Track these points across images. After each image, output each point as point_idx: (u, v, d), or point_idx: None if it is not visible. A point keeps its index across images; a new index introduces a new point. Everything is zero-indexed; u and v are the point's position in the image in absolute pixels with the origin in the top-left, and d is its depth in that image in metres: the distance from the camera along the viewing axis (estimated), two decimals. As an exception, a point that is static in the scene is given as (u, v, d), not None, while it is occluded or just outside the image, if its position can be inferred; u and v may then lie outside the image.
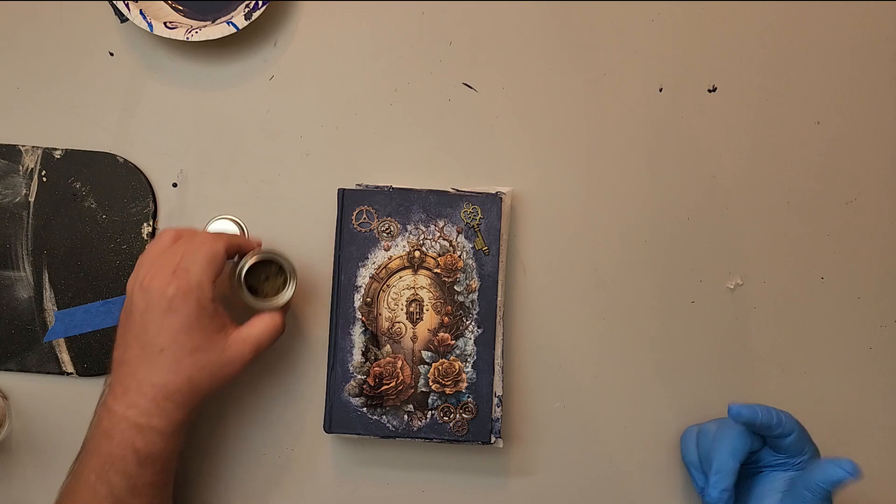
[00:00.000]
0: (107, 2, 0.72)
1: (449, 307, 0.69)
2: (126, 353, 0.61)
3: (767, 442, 0.63)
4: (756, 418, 0.60)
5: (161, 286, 0.60)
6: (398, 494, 0.72)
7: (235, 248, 0.65)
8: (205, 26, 0.70)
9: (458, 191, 0.70)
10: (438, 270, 0.69)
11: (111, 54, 0.73)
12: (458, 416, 0.68)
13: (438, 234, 0.69)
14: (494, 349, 0.69)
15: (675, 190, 0.73)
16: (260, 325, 0.64)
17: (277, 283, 0.66)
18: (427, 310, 0.69)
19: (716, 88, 0.73)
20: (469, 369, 0.68)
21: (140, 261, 0.64)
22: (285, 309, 0.66)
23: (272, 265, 0.66)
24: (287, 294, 0.65)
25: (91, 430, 0.62)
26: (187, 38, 0.69)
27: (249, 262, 0.64)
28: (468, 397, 0.68)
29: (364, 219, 0.69)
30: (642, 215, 0.73)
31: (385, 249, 0.69)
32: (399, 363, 0.69)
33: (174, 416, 0.60)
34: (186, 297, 0.60)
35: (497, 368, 0.69)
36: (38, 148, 0.72)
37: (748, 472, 0.66)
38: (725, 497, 0.61)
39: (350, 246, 0.69)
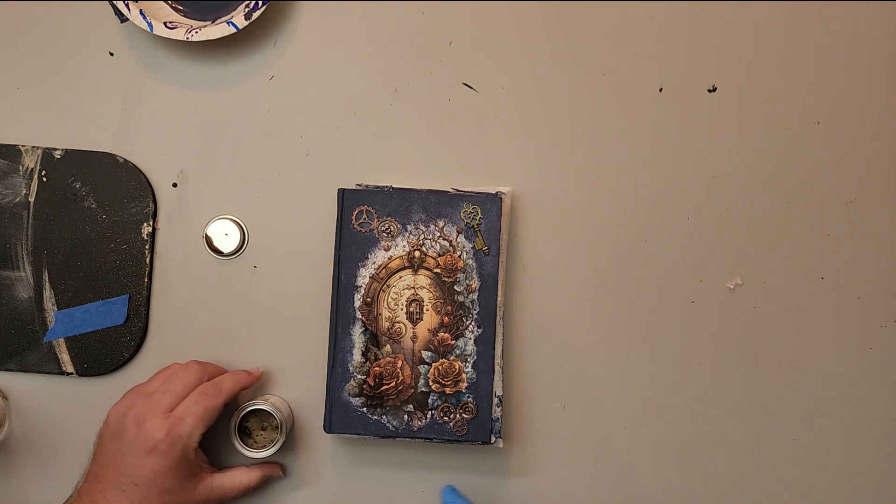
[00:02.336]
0: (107, 2, 0.72)
1: (449, 307, 0.69)
2: (102, 471, 0.64)
3: None
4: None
5: (153, 427, 0.63)
6: (398, 494, 0.72)
7: (237, 393, 0.68)
8: (205, 26, 0.70)
9: (458, 191, 0.70)
10: (438, 270, 0.69)
11: (111, 54, 0.73)
12: (458, 416, 0.68)
13: (438, 234, 0.69)
14: (494, 349, 0.69)
15: (675, 190, 0.73)
16: (233, 480, 0.68)
17: (273, 434, 0.69)
18: (427, 310, 0.69)
19: (716, 88, 0.73)
20: (469, 369, 0.68)
21: (139, 389, 0.67)
22: (270, 467, 0.70)
23: (271, 416, 0.68)
24: (273, 448, 0.68)
25: None
26: (187, 38, 0.69)
27: (244, 411, 0.68)
28: (468, 397, 0.68)
29: (364, 219, 0.69)
30: (642, 215, 0.72)
31: (385, 249, 0.69)
32: (399, 363, 0.69)
33: None
34: (174, 445, 0.63)
35: (497, 368, 0.69)
36: (38, 148, 0.72)
37: None
38: None
39: (350, 246, 0.69)
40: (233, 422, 0.68)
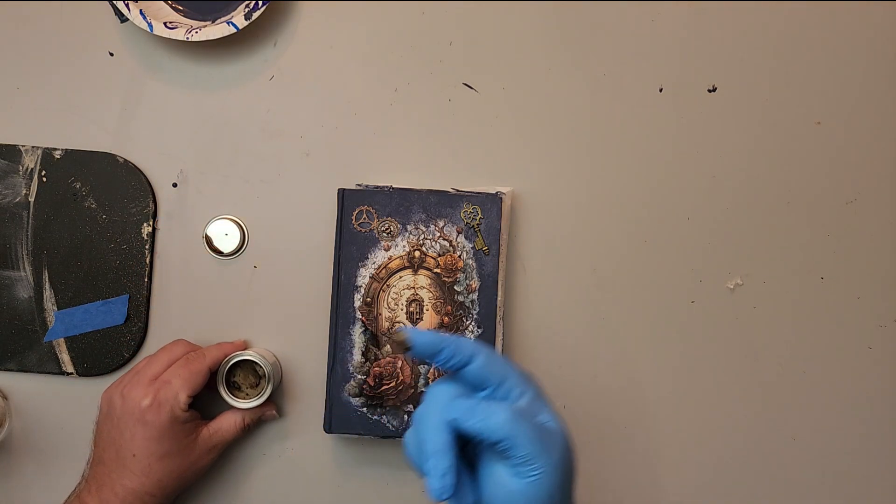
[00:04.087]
0: (107, 2, 0.72)
1: (449, 307, 0.69)
2: (104, 454, 0.65)
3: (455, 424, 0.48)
4: (421, 339, 0.48)
5: (137, 396, 0.64)
6: (398, 494, 0.72)
7: (222, 360, 0.68)
8: (205, 26, 0.70)
9: (458, 191, 0.70)
10: (438, 270, 0.69)
11: (111, 54, 0.73)
12: (458, 416, 0.68)
13: (438, 234, 0.69)
14: (494, 349, 0.69)
15: (675, 190, 0.73)
16: (227, 421, 0.69)
17: (261, 384, 0.69)
18: (427, 310, 0.69)
19: (716, 88, 0.73)
20: (469, 369, 0.68)
21: (130, 370, 0.68)
22: (264, 406, 0.69)
23: (258, 365, 0.68)
24: (261, 398, 0.68)
25: None
26: (187, 38, 0.69)
27: (230, 363, 0.68)
28: (468, 397, 0.68)
29: (364, 219, 0.69)
30: (642, 215, 0.72)
31: (385, 249, 0.69)
32: (399, 363, 0.69)
33: None
34: (160, 408, 0.64)
35: (497, 368, 0.69)
36: (38, 148, 0.72)
37: (475, 454, 0.50)
38: (449, 482, 0.46)
39: (350, 246, 0.69)
40: (220, 372, 0.67)
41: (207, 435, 0.67)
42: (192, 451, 0.66)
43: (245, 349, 0.69)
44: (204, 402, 0.70)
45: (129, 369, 0.69)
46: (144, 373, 0.66)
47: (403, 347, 0.48)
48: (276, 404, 0.72)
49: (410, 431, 0.49)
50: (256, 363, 0.68)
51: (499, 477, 0.47)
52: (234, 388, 0.69)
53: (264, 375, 0.68)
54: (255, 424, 0.70)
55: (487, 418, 0.46)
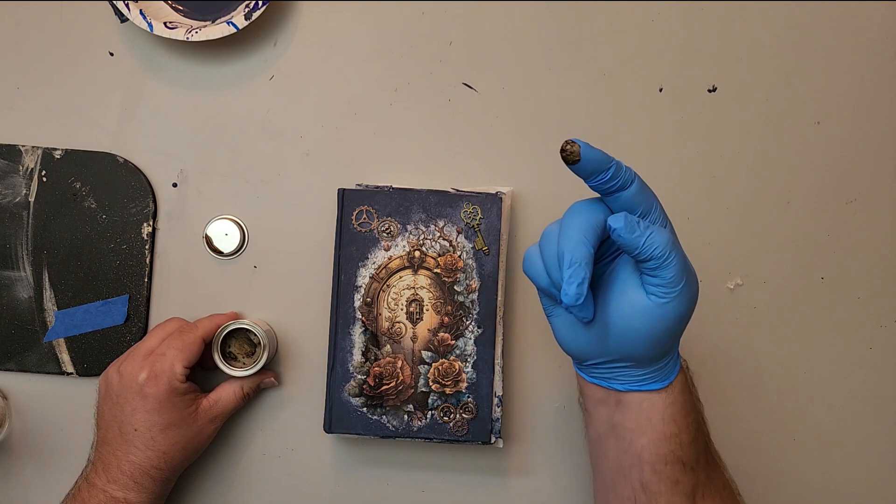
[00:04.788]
0: (107, 2, 0.72)
1: (449, 307, 0.69)
2: (107, 434, 0.66)
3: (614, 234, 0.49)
4: (592, 153, 0.49)
5: (134, 371, 0.65)
6: (398, 494, 0.72)
7: (215, 330, 0.68)
8: (205, 26, 0.70)
9: (458, 191, 0.70)
10: (438, 270, 0.69)
11: (111, 54, 0.73)
12: (458, 416, 0.68)
13: (438, 234, 0.69)
14: (494, 349, 0.69)
15: (675, 190, 0.72)
16: (227, 391, 0.69)
17: (256, 352, 0.69)
18: (427, 310, 0.69)
19: (716, 88, 0.73)
20: (469, 369, 0.68)
21: (128, 351, 0.68)
22: (263, 374, 0.70)
23: (253, 334, 0.68)
24: (257, 365, 0.68)
25: (68, 500, 0.65)
26: (187, 38, 0.69)
27: (224, 332, 0.67)
28: (468, 397, 0.68)
29: (364, 219, 0.69)
30: (642, 215, 0.72)
31: (385, 249, 0.69)
32: (399, 363, 0.69)
33: (151, 490, 0.65)
34: (158, 380, 0.64)
35: (497, 368, 0.69)
36: (38, 148, 0.72)
37: (602, 272, 0.54)
38: (584, 290, 0.48)
39: (350, 246, 0.69)
40: (215, 342, 0.68)
41: (208, 406, 0.67)
42: (195, 422, 0.66)
43: (238, 319, 0.70)
44: (202, 379, 0.70)
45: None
46: (139, 349, 0.67)
47: (572, 159, 0.49)
48: (274, 371, 0.72)
49: (535, 246, 0.52)
50: (251, 331, 0.68)
51: (632, 295, 0.51)
52: (230, 359, 0.69)
53: (259, 343, 0.68)
54: (254, 393, 0.70)
55: (651, 236, 0.48)
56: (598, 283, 0.53)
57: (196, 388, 0.68)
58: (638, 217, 0.50)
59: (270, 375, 0.71)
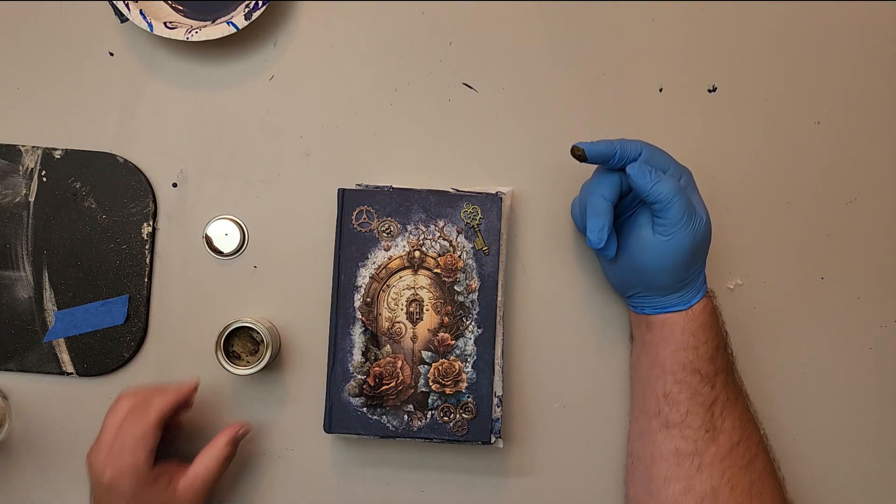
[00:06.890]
0: (107, 2, 0.72)
1: (449, 307, 0.69)
2: None
3: (630, 180, 0.62)
4: (595, 149, 0.62)
5: (99, 468, 0.63)
6: (398, 494, 0.72)
7: (173, 408, 0.65)
8: (205, 26, 0.70)
9: (458, 191, 0.70)
10: (438, 270, 0.69)
11: (111, 54, 0.73)
12: (458, 416, 0.68)
13: (438, 234, 0.69)
14: (494, 349, 0.69)
15: (675, 190, 0.72)
16: (203, 463, 0.66)
17: (260, 350, 0.69)
18: (427, 310, 0.69)
19: (716, 88, 0.73)
20: (469, 369, 0.68)
21: (96, 438, 0.65)
22: (231, 429, 0.68)
23: (256, 332, 0.68)
24: (260, 364, 0.67)
25: None
26: (187, 38, 0.69)
27: (227, 330, 0.67)
28: (468, 397, 0.68)
29: (364, 219, 0.69)
30: (642, 215, 0.72)
31: (385, 249, 0.69)
32: (399, 363, 0.69)
33: None
34: (122, 477, 0.62)
35: (497, 368, 0.69)
36: (38, 148, 0.72)
37: (625, 221, 0.66)
38: (605, 235, 0.62)
39: (350, 246, 0.69)
40: (217, 341, 0.67)
41: (187, 485, 0.65)
42: (175, 501, 0.64)
43: (196, 388, 0.68)
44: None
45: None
46: (101, 440, 0.64)
47: (582, 160, 0.62)
48: (247, 422, 0.70)
49: (577, 198, 0.68)
50: (254, 330, 0.68)
51: (644, 233, 0.63)
52: (234, 357, 0.68)
53: (262, 342, 0.68)
54: (233, 454, 0.68)
55: (659, 182, 0.60)
56: (622, 228, 0.66)
57: (169, 467, 0.65)
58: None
59: (239, 427, 0.68)
